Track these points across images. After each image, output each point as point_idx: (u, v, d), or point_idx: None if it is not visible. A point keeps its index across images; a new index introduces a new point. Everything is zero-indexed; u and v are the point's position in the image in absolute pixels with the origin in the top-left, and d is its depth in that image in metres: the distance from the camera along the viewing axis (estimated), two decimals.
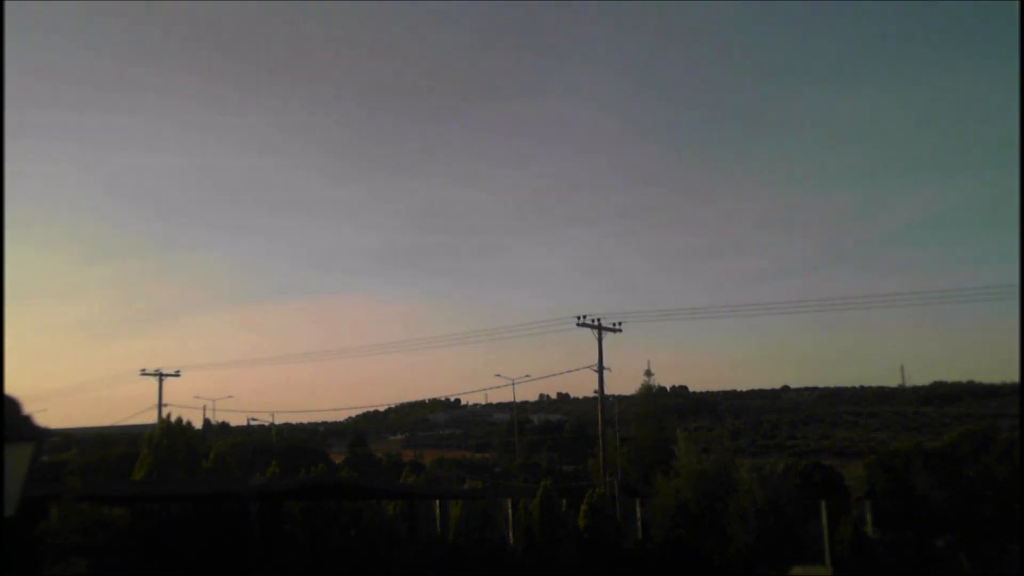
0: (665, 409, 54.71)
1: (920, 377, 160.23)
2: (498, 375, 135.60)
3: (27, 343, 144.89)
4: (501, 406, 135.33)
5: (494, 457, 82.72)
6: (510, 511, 31.73)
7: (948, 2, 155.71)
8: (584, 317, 40.65)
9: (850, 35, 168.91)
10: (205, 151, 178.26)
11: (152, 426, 48.36)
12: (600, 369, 40.49)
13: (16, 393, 4.69)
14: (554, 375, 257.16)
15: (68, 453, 59.69)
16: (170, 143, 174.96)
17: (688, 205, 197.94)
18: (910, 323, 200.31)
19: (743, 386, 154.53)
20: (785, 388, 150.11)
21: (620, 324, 41.28)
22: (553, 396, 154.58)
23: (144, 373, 57.27)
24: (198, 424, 57.89)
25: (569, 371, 71.78)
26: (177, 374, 58.04)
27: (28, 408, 4.69)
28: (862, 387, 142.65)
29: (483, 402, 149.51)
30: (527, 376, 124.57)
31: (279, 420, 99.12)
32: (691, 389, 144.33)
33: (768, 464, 36.90)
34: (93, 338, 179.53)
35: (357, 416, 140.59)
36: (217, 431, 77.82)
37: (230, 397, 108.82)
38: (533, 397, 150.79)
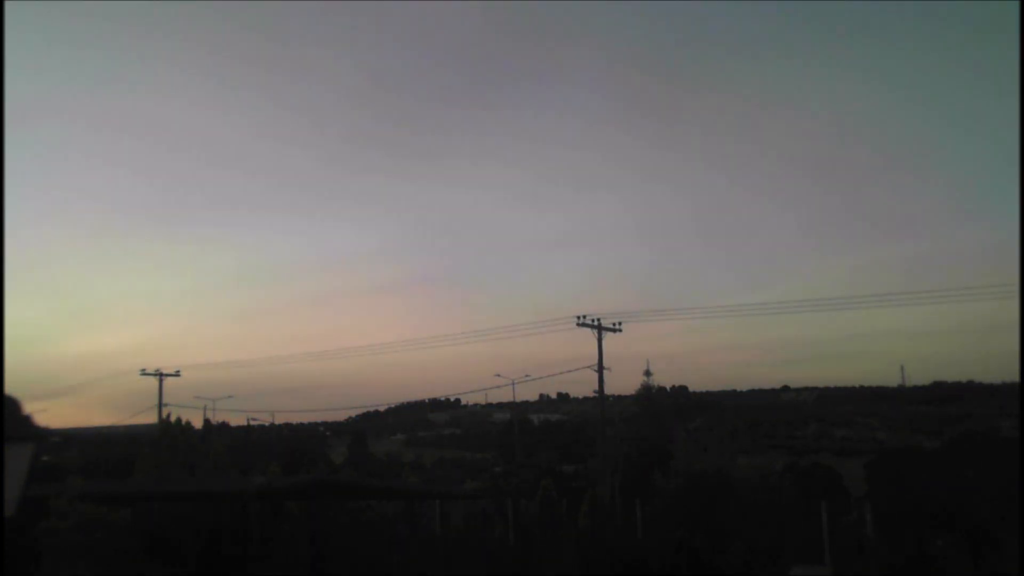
0: (664, 409, 54.81)
1: (920, 377, 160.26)
2: (498, 375, 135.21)
3: (27, 343, 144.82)
4: (501, 406, 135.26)
5: (494, 457, 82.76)
6: (510, 511, 31.71)
7: (948, 2, 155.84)
8: (584, 317, 40.64)
9: (854, 29, 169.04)
10: (206, 148, 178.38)
11: (152, 426, 48.38)
12: (600, 369, 40.45)
13: (16, 393, 4.69)
14: (554, 375, 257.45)
15: (68, 453, 59.65)
16: (172, 139, 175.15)
17: (689, 204, 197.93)
18: (910, 323, 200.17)
19: (743, 386, 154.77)
20: (785, 388, 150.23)
21: (620, 324, 41.27)
22: (553, 396, 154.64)
23: (144, 373, 57.17)
24: (198, 424, 57.68)
25: (569, 371, 71.90)
26: (177, 374, 58.00)
27: (28, 408, 4.69)
28: (862, 387, 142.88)
29: (483, 402, 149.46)
30: (527, 376, 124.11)
31: (279, 420, 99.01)
32: (691, 389, 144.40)
33: (768, 464, 36.97)
34: (93, 337, 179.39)
35: (357, 416, 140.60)
36: (217, 431, 77.57)
37: (230, 397, 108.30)
38: (533, 397, 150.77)
